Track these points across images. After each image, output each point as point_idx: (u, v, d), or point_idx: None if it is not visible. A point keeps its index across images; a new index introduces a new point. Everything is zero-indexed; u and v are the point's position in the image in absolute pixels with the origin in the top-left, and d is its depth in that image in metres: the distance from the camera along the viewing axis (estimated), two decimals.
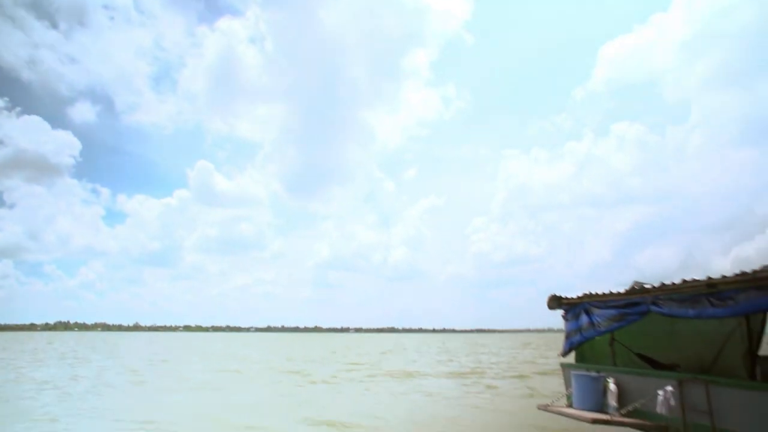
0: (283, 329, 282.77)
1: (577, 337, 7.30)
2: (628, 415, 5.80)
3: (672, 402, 5.34)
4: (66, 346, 50.12)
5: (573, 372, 6.62)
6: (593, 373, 6.41)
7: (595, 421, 5.39)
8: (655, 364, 6.71)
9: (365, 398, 13.90)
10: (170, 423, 10.14)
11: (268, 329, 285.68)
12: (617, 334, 7.15)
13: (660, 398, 5.45)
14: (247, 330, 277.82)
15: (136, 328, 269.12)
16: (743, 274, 4.62)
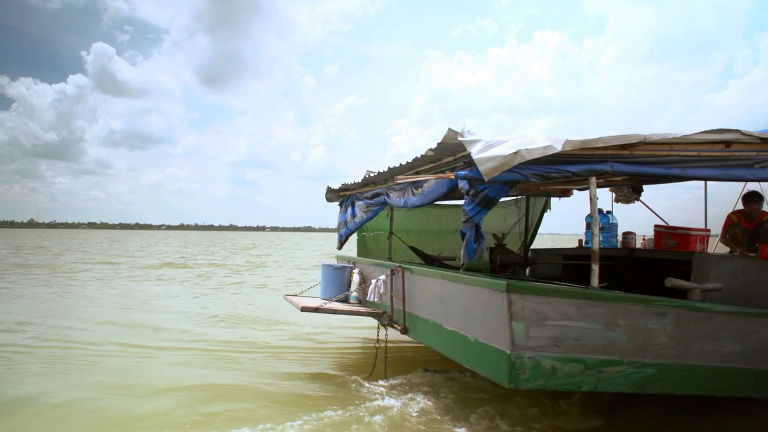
0: (197, 227, 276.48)
1: (343, 230, 7.16)
2: (354, 304, 5.84)
3: (382, 290, 5.36)
4: None
5: (322, 263, 6.55)
6: (336, 264, 6.36)
7: (303, 309, 5.33)
8: (426, 257, 6.73)
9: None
10: None
11: (181, 227, 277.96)
12: (397, 228, 7.08)
13: (372, 286, 5.46)
14: (158, 228, 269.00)
15: (32, 225, 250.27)
16: (425, 158, 4.40)
